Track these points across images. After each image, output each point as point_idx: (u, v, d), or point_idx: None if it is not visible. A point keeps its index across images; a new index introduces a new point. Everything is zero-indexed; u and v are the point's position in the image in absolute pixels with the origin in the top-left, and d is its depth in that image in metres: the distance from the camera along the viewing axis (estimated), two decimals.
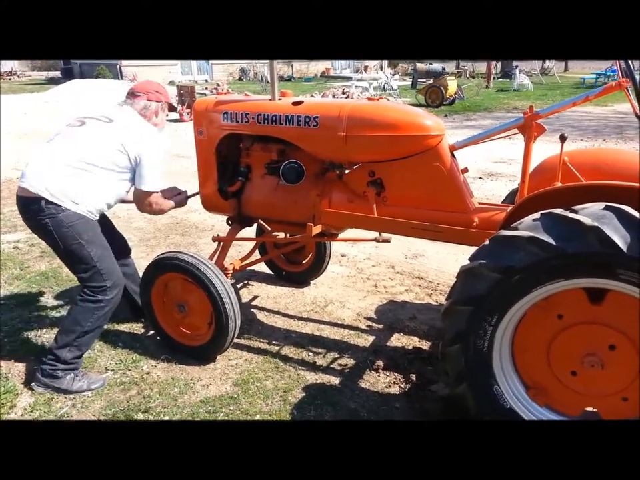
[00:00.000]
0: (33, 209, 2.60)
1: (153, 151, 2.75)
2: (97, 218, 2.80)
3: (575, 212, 1.86)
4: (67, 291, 3.91)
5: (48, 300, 3.80)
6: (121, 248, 3.16)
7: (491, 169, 8.02)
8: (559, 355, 2.05)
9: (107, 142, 2.66)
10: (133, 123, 2.78)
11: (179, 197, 3.19)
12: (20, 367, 2.96)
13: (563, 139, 2.32)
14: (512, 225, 1.98)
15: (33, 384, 2.75)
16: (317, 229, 2.87)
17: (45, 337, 3.27)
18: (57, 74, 31.63)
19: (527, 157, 2.39)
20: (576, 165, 2.43)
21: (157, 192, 2.87)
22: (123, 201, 3.04)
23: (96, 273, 2.70)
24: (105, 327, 3.33)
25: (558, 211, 1.90)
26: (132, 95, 2.88)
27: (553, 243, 1.83)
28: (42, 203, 2.56)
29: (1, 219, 5.81)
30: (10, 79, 32.09)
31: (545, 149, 2.48)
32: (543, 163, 2.69)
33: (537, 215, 1.94)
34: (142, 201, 2.86)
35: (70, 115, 2.88)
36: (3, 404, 2.62)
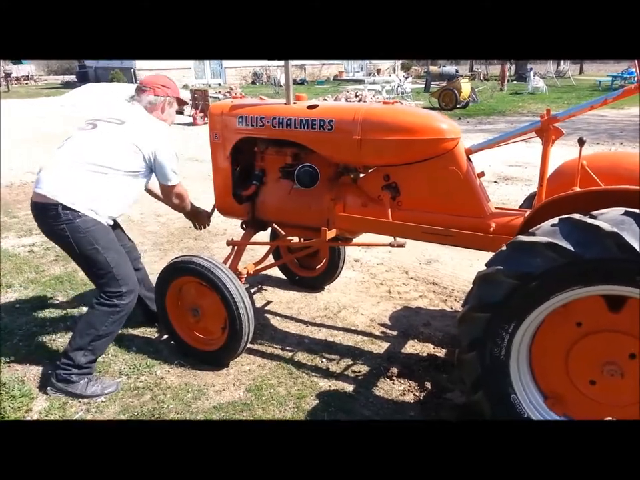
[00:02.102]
0: (50, 215, 2.61)
1: (167, 146, 2.77)
2: (112, 223, 2.83)
3: (594, 217, 1.82)
4: (81, 294, 3.94)
5: (63, 304, 3.82)
6: (130, 253, 3.17)
7: (507, 172, 7.95)
8: (577, 364, 2.01)
9: (120, 144, 2.68)
10: (143, 122, 2.79)
11: (202, 210, 3.34)
12: (35, 371, 2.98)
13: (581, 142, 2.29)
14: (529, 231, 1.95)
15: (47, 388, 2.76)
16: (331, 234, 2.85)
17: (60, 340, 3.29)
18: (73, 78, 32.03)
19: (544, 160, 2.35)
20: (594, 169, 2.38)
21: (179, 183, 2.94)
22: (150, 193, 3.14)
23: (112, 279, 2.71)
24: (119, 331, 3.36)
25: (576, 216, 1.86)
26: (139, 90, 2.89)
27: (572, 248, 1.80)
28: (59, 209, 2.58)
29: (16, 222, 5.87)
30: (27, 83, 32.56)
31: (562, 153, 2.44)
32: (561, 167, 2.65)
33: (555, 220, 1.90)
34: (169, 195, 2.97)
35: (82, 118, 2.89)
36: (19, 408, 2.63)
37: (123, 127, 2.72)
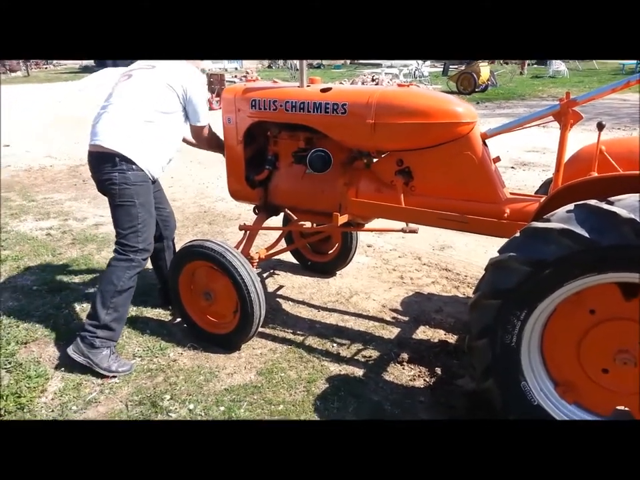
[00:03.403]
0: (106, 165, 2.75)
1: (198, 85, 2.90)
2: (155, 179, 2.98)
3: (611, 203, 1.77)
4: (97, 277, 3.99)
5: (79, 286, 3.88)
6: (169, 219, 3.37)
7: (524, 158, 7.83)
8: (590, 352, 1.98)
9: (154, 86, 2.81)
10: (173, 63, 2.90)
11: None
12: (51, 352, 3.03)
13: (600, 126, 2.23)
14: (544, 217, 1.91)
15: (69, 348, 2.80)
16: (343, 219, 2.83)
17: (76, 322, 3.34)
18: (91, 62, 32.20)
19: (562, 145, 2.30)
20: (613, 154, 2.32)
21: (209, 124, 3.04)
22: (185, 141, 3.21)
23: (133, 234, 2.82)
24: (133, 313, 3.41)
25: (592, 202, 1.82)
26: None
27: (587, 235, 1.76)
28: (116, 160, 2.73)
29: (35, 205, 5.95)
30: (46, 68, 32.80)
31: (580, 138, 2.39)
32: (578, 152, 2.59)
33: (571, 207, 1.86)
34: (200, 136, 3.07)
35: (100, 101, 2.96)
36: (34, 388, 2.68)
37: (154, 70, 2.85)
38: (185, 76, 2.85)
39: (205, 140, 3.11)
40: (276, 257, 4.05)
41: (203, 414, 2.52)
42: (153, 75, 2.83)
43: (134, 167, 2.76)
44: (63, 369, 2.84)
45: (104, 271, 2.93)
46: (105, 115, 2.82)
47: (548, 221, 1.87)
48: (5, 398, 2.57)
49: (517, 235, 1.95)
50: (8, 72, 28.26)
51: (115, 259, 2.85)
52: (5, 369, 2.85)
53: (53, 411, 2.54)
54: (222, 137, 3.19)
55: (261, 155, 3.17)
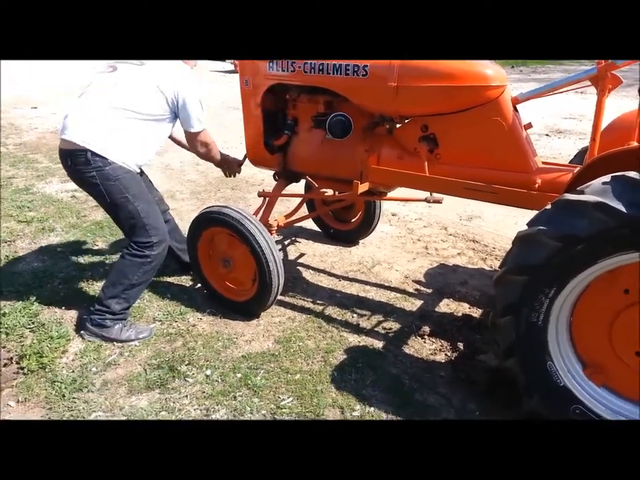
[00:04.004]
0: (79, 162, 2.57)
1: (191, 89, 2.66)
2: (139, 171, 2.80)
3: None
4: (120, 240, 4.00)
5: (102, 249, 3.90)
6: (158, 205, 3.13)
7: (560, 125, 7.50)
8: (623, 333, 1.86)
9: (141, 85, 2.59)
10: (164, 62, 2.67)
11: (231, 158, 3.22)
12: (73, 314, 3.06)
13: None
14: (578, 189, 1.78)
15: (82, 332, 2.83)
16: (363, 187, 2.74)
17: (98, 285, 3.36)
18: None
19: (599, 112, 2.14)
20: None
21: (205, 130, 2.82)
22: (175, 141, 3.09)
23: (142, 228, 2.70)
24: (154, 278, 3.40)
25: (632, 174, 1.68)
26: None
27: (624, 210, 1.63)
28: (88, 155, 2.54)
29: (60, 168, 5.99)
30: None
31: (619, 105, 2.22)
32: (617, 120, 2.43)
33: (607, 178, 1.73)
34: (193, 142, 2.85)
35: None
36: (55, 348, 2.71)
37: (143, 68, 2.62)
38: (178, 78, 2.64)
39: (200, 146, 2.87)
40: (298, 225, 3.98)
41: (219, 380, 2.52)
42: (141, 73, 2.60)
43: (108, 161, 2.56)
44: (83, 331, 2.87)
45: (118, 260, 2.85)
46: (78, 108, 2.62)
47: (582, 193, 1.75)
48: (27, 357, 2.61)
49: (548, 207, 1.84)
50: None
51: (130, 254, 2.73)
52: (29, 328, 2.89)
53: (73, 371, 2.58)
54: (215, 144, 3.01)
55: (279, 119, 3.07)
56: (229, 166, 3.25)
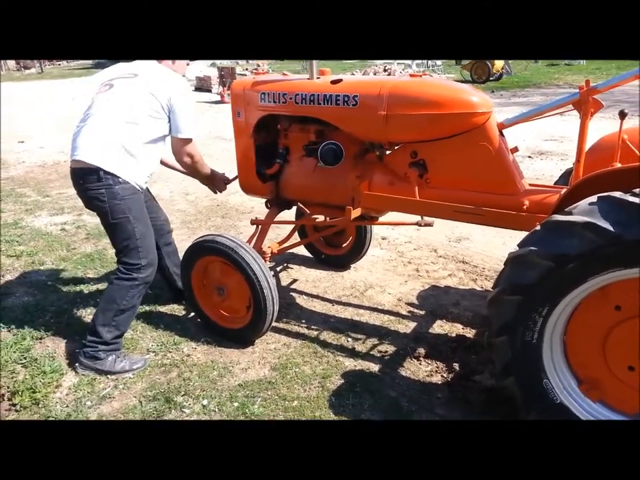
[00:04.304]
0: (90, 180, 2.64)
1: (182, 94, 2.75)
2: (145, 187, 2.88)
3: (636, 195, 1.70)
4: (111, 272, 3.98)
5: (93, 281, 3.88)
6: (163, 227, 3.24)
7: (541, 147, 7.68)
8: (615, 349, 1.91)
9: (136, 95, 2.68)
10: (156, 71, 2.78)
11: (218, 174, 3.26)
12: (66, 347, 3.03)
13: (622, 115, 2.15)
14: (566, 210, 1.84)
15: (76, 365, 2.81)
16: (356, 213, 2.78)
17: (90, 317, 3.32)
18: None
19: (582, 135, 2.21)
20: (636, 143, 2.24)
21: (192, 140, 2.85)
22: (165, 164, 3.13)
23: (134, 250, 2.75)
24: (147, 308, 3.40)
25: (617, 194, 1.75)
26: None
27: (611, 229, 1.69)
28: (100, 174, 2.61)
29: (49, 201, 5.98)
30: (60, 64, 33.03)
31: (598, 126, 2.31)
32: (599, 142, 2.51)
33: (594, 199, 1.78)
34: (179, 150, 2.84)
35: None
36: (49, 383, 2.68)
37: (136, 79, 2.73)
38: (169, 84, 2.72)
39: (185, 155, 2.85)
40: (289, 251, 4.01)
41: (216, 410, 2.50)
42: (135, 84, 2.71)
43: (120, 180, 2.64)
44: (77, 365, 2.84)
45: (106, 287, 2.87)
46: (85, 128, 2.69)
47: (570, 213, 1.80)
48: (20, 393, 2.58)
49: (538, 228, 1.89)
50: (22, 69, 28.54)
51: (118, 277, 2.77)
52: (21, 363, 2.86)
53: (67, 406, 2.54)
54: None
55: (271, 148, 3.12)
56: (215, 181, 3.27)
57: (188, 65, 3.20)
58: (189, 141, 2.82)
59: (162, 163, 3.11)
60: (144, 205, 2.84)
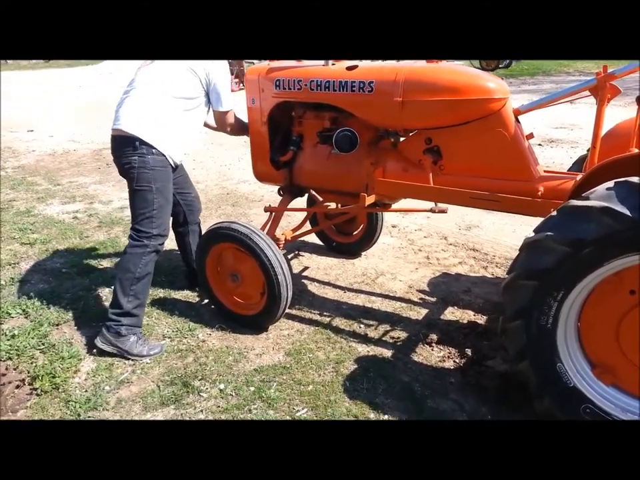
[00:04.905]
0: (127, 147, 2.76)
1: (221, 69, 2.87)
2: (176, 166, 2.97)
3: None
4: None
5: (107, 268, 3.92)
6: (193, 202, 3.37)
7: (552, 134, 7.64)
8: (629, 333, 1.92)
9: (176, 71, 2.79)
10: None
11: None
12: (82, 333, 3.07)
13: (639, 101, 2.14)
14: (583, 195, 1.85)
15: (97, 339, 2.85)
16: (370, 199, 2.80)
17: (105, 304, 3.38)
18: None
19: (599, 121, 2.21)
20: None
21: (232, 110, 3.02)
22: (207, 125, 3.24)
23: (148, 219, 2.82)
24: (161, 295, 3.45)
25: (634, 179, 1.76)
26: None
27: (628, 213, 1.70)
28: (136, 144, 2.74)
29: (60, 189, 6.02)
30: None
31: (609, 112, 2.29)
32: (615, 128, 2.51)
33: (611, 184, 1.79)
34: (223, 121, 3.05)
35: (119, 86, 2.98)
36: (67, 368, 2.73)
37: None
38: (208, 61, 2.82)
39: (228, 126, 3.08)
40: (301, 238, 4.03)
41: (233, 394, 2.54)
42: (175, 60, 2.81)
43: (154, 151, 2.77)
44: (94, 350, 2.88)
45: (120, 258, 2.95)
46: (127, 99, 2.82)
47: (587, 198, 1.81)
48: (40, 378, 2.63)
49: (554, 213, 1.90)
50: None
51: (130, 245, 2.86)
52: (39, 349, 2.91)
53: (86, 390, 2.59)
54: (245, 120, 3.16)
55: (285, 135, 3.13)
56: None
57: None
58: (228, 112, 2.99)
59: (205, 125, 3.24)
60: (171, 180, 2.93)
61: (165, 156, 2.81)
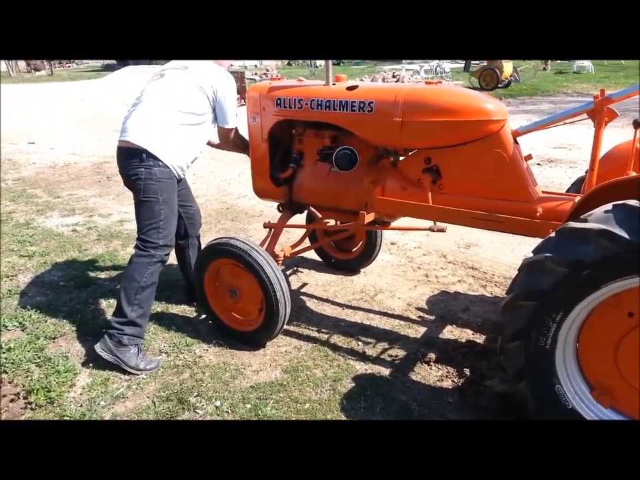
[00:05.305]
0: (133, 159, 2.80)
1: (228, 88, 2.93)
2: (181, 178, 3.03)
3: None
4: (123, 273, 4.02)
5: (104, 282, 3.92)
6: (194, 216, 3.41)
7: (550, 154, 7.69)
8: (628, 355, 1.92)
9: (185, 86, 2.85)
10: (205, 65, 2.95)
11: None
12: (79, 347, 3.06)
13: (637, 124, 2.17)
14: (581, 217, 1.86)
15: (97, 345, 2.82)
16: (369, 217, 2.81)
17: (102, 317, 3.37)
18: (113, 61, 32.62)
19: (596, 143, 2.24)
20: None
21: (236, 128, 3.10)
22: (211, 145, 3.31)
23: (154, 229, 2.85)
24: (159, 309, 3.44)
25: (632, 202, 1.77)
26: None
27: (626, 236, 1.71)
28: (143, 156, 2.78)
29: (60, 202, 6.03)
30: (69, 67, 33.29)
31: (606, 135, 2.31)
32: (613, 150, 2.53)
33: (609, 206, 1.81)
34: (227, 138, 3.13)
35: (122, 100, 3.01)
36: (63, 382, 2.71)
37: (186, 71, 2.90)
38: (216, 78, 2.88)
39: (231, 142, 3.14)
40: (300, 255, 4.03)
41: (229, 411, 2.52)
42: (185, 76, 2.87)
43: (160, 163, 2.80)
44: (90, 364, 2.87)
45: (126, 267, 2.95)
46: (135, 112, 2.86)
47: (585, 221, 1.82)
48: (35, 392, 2.61)
49: (553, 235, 1.91)
50: (33, 71, 28.79)
51: (136, 255, 2.88)
52: (35, 363, 2.89)
53: (81, 405, 2.57)
54: (247, 137, 3.19)
55: (285, 153, 3.16)
56: None
57: (231, 65, 3.34)
58: (233, 129, 3.06)
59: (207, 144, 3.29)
60: (176, 192, 2.97)
61: (169, 168, 2.85)
